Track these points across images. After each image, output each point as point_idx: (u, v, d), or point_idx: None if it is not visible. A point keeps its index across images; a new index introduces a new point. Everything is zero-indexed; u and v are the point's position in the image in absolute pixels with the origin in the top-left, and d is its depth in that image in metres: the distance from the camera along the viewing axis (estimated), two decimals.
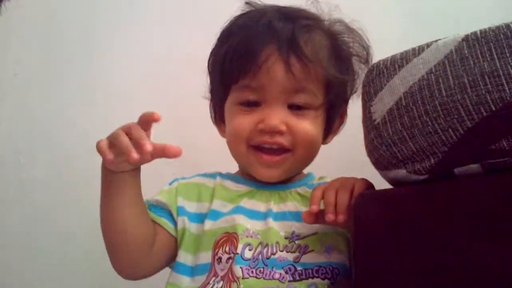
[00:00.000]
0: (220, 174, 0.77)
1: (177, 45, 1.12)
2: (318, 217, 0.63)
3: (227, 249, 0.67)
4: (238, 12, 0.75)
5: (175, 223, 0.71)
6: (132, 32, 1.19)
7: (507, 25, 0.48)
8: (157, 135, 1.10)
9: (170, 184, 0.76)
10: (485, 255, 0.45)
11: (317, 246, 0.67)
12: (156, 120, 0.59)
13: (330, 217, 0.60)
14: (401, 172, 0.54)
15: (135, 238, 0.66)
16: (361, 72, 0.74)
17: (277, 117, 0.67)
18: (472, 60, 0.48)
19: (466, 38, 0.50)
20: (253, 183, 0.74)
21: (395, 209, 0.53)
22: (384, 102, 0.55)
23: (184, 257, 0.70)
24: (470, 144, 0.48)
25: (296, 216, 0.69)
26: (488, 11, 0.94)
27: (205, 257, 0.68)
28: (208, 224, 0.70)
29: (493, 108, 0.46)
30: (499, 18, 0.50)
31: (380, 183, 0.59)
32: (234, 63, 0.68)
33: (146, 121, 0.60)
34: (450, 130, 0.49)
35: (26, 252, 1.12)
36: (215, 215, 0.71)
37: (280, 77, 0.66)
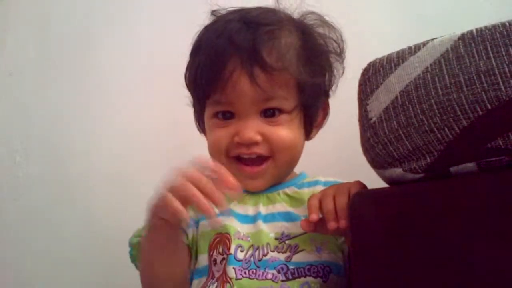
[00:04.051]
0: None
1: (176, 44, 1.11)
2: (316, 226, 0.63)
3: (220, 250, 0.67)
4: (207, 22, 0.74)
5: (186, 234, 0.71)
6: (129, 31, 1.18)
7: (503, 24, 0.48)
8: (155, 134, 1.10)
9: None
10: (481, 254, 0.45)
11: (308, 246, 0.67)
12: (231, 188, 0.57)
13: (332, 224, 0.60)
14: (397, 171, 0.54)
15: (181, 278, 0.67)
16: (337, 66, 0.73)
17: (251, 128, 0.67)
18: (468, 59, 0.48)
19: (462, 37, 0.50)
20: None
21: (391, 208, 0.53)
22: (380, 100, 0.55)
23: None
24: (466, 143, 0.48)
25: (285, 216, 0.69)
26: (484, 9, 0.95)
27: (203, 260, 0.68)
28: (201, 226, 0.70)
29: (489, 107, 0.46)
30: (496, 17, 0.50)
31: (375, 182, 0.59)
32: (203, 80, 0.68)
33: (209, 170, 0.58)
34: (446, 129, 0.49)
35: (21, 250, 1.12)
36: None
37: (246, 90, 0.66)
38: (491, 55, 0.47)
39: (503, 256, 0.44)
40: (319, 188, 0.71)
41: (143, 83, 1.14)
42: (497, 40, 0.47)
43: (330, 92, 0.75)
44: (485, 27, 0.49)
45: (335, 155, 0.92)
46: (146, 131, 1.12)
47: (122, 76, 1.16)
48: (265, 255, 0.66)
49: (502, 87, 0.46)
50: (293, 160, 0.73)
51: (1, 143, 1.20)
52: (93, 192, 1.13)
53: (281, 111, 0.68)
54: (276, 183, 0.74)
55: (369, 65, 0.58)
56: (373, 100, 0.56)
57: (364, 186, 0.63)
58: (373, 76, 0.56)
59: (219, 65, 0.66)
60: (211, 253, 0.68)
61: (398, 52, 0.55)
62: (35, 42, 1.23)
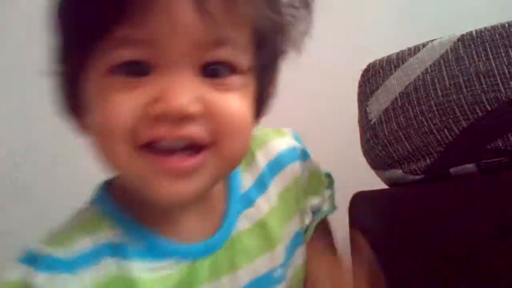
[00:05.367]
0: (110, 246, 0.42)
1: None
2: None
3: None
4: None
5: None
6: None
7: (503, 25, 0.48)
8: None
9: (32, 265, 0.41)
10: (482, 254, 0.45)
11: None
12: None
13: None
14: (397, 172, 0.54)
15: None
16: (298, 19, 0.46)
17: (185, 90, 0.37)
18: (467, 60, 0.49)
19: (461, 38, 0.50)
20: (172, 249, 0.42)
21: (391, 209, 0.53)
22: (380, 102, 0.55)
23: None
24: (465, 144, 0.48)
25: (270, 281, 0.45)
26: (483, 11, 0.95)
27: None
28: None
29: (489, 108, 0.46)
30: (494, 18, 0.50)
31: (376, 183, 0.59)
32: (102, 2, 0.37)
33: None
34: (445, 130, 0.49)
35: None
36: None
37: (187, 20, 0.36)
38: (491, 57, 0.47)
39: (503, 256, 0.44)
40: (273, 191, 0.47)
41: None
42: (497, 42, 0.47)
43: (291, 56, 0.46)
44: (485, 28, 0.49)
45: (335, 156, 0.92)
46: None
47: None
48: None
49: (502, 88, 0.46)
50: (244, 151, 0.42)
51: (1, 144, 1.20)
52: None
53: (233, 69, 0.39)
54: (211, 198, 0.44)
55: (368, 66, 0.58)
56: (372, 101, 0.56)
57: None
58: (372, 78, 0.57)
59: None
60: None
61: (397, 54, 0.55)
62: (37, 42, 1.23)
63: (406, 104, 0.52)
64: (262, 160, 0.47)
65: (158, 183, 0.38)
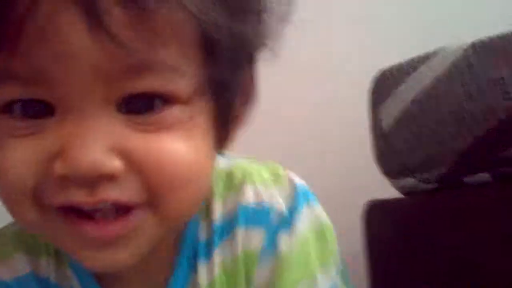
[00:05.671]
0: (44, 283, 0.35)
1: None
2: None
3: None
4: None
5: None
6: None
7: None
8: None
9: None
10: (495, 263, 0.45)
11: None
12: None
13: None
14: (410, 181, 0.54)
15: None
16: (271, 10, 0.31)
17: (97, 138, 0.26)
18: (479, 68, 0.48)
19: (472, 46, 0.50)
20: None
21: (405, 218, 0.53)
22: (392, 109, 0.55)
23: None
24: (478, 153, 0.48)
25: None
26: (495, 18, 0.93)
27: None
28: None
29: (501, 116, 0.46)
30: (506, 26, 0.49)
31: (388, 191, 0.59)
32: None
33: None
34: (458, 138, 0.48)
35: None
36: None
37: (82, 45, 0.25)
38: (502, 64, 0.47)
39: None
40: (217, 258, 0.34)
41: None
42: (508, 49, 0.47)
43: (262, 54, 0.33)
44: (496, 35, 0.49)
45: (348, 163, 0.91)
46: None
47: None
48: None
49: None
50: (196, 202, 0.32)
51: None
52: None
53: (167, 99, 0.28)
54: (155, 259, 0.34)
55: (379, 73, 0.58)
56: (384, 109, 0.56)
57: None
58: (384, 85, 0.57)
59: None
60: None
61: (408, 61, 0.55)
62: None
63: (419, 112, 0.52)
64: (219, 211, 0.35)
65: (80, 253, 0.29)
